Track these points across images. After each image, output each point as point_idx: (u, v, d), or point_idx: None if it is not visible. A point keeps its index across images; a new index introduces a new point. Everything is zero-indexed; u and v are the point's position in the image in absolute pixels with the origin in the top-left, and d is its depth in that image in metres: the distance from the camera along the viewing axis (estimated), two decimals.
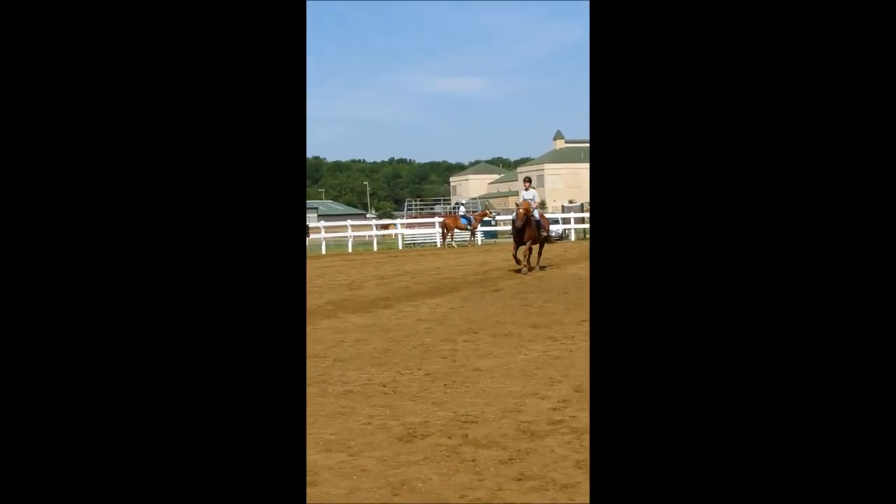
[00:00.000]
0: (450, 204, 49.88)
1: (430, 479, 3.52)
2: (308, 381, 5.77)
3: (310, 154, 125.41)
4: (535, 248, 15.01)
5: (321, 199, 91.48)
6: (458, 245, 28.08)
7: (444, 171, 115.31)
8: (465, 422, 4.45)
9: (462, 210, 32.91)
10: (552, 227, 30.61)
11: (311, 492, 3.43)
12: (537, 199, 15.33)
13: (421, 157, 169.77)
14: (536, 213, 14.78)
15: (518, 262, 14.63)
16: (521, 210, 14.57)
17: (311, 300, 11.32)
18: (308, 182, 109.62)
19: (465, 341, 7.24)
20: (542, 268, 14.92)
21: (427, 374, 5.84)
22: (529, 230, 14.46)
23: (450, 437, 4.16)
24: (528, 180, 15.62)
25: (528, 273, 14.12)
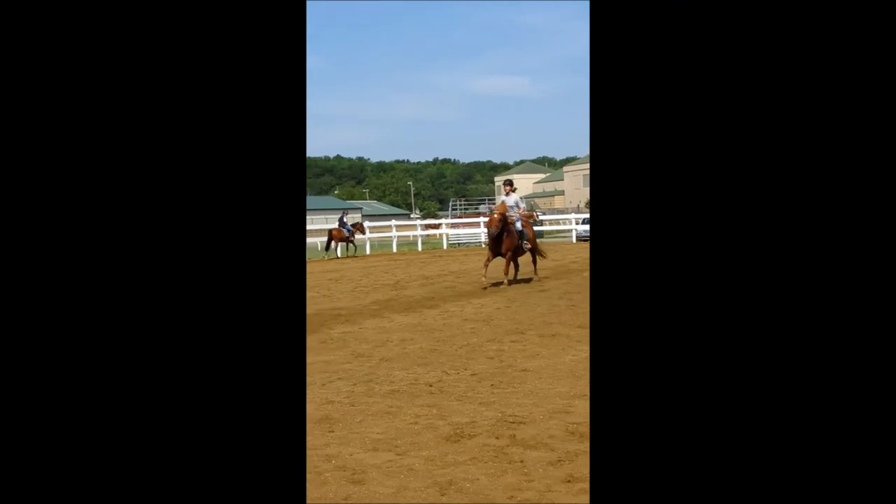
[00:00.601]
0: (494, 204, 49.78)
1: (478, 479, 3.50)
2: (354, 380, 5.81)
3: (353, 155, 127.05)
4: (523, 257, 12.85)
5: (365, 199, 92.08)
6: None
7: (488, 171, 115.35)
8: (513, 422, 4.41)
9: None
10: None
11: (357, 490, 3.43)
12: (521, 206, 12.99)
13: (465, 157, 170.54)
14: (519, 223, 12.51)
15: (487, 275, 12.32)
16: (494, 215, 12.39)
17: (357, 300, 11.40)
18: (352, 182, 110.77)
19: (511, 342, 7.19)
20: (514, 281, 12.62)
21: (474, 375, 5.81)
22: (508, 239, 12.26)
23: (497, 438, 4.12)
24: (508, 183, 13.44)
25: (508, 285, 12.22)
